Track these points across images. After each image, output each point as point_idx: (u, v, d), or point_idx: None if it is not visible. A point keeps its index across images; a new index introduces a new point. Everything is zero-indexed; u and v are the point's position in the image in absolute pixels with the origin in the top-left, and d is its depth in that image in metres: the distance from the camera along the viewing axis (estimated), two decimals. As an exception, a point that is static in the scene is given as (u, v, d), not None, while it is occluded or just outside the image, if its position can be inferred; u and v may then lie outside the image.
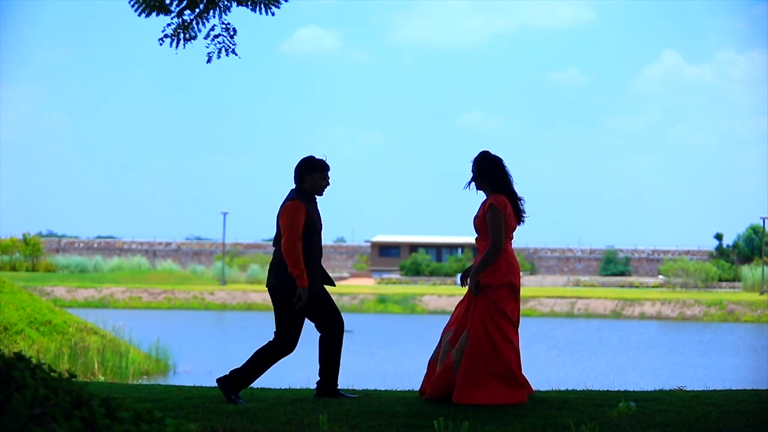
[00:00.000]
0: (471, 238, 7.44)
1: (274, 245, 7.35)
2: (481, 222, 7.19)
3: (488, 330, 6.98)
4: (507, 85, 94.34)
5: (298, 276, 7.08)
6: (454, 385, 6.99)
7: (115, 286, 47.17)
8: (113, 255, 65.89)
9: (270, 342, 7.22)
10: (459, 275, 7.66)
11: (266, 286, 7.36)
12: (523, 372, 7.16)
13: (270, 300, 7.34)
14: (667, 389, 8.32)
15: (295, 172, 7.33)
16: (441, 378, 7.06)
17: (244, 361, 7.27)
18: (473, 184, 7.28)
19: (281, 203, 7.28)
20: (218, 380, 7.23)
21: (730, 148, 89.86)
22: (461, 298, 7.30)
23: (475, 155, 7.26)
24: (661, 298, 43.37)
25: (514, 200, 7.25)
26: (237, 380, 7.18)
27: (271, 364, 7.23)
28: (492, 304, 7.01)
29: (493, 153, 7.26)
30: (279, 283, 7.19)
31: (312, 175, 7.27)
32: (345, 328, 7.56)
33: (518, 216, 7.28)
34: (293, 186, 7.36)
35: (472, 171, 7.27)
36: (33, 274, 51.75)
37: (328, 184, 7.36)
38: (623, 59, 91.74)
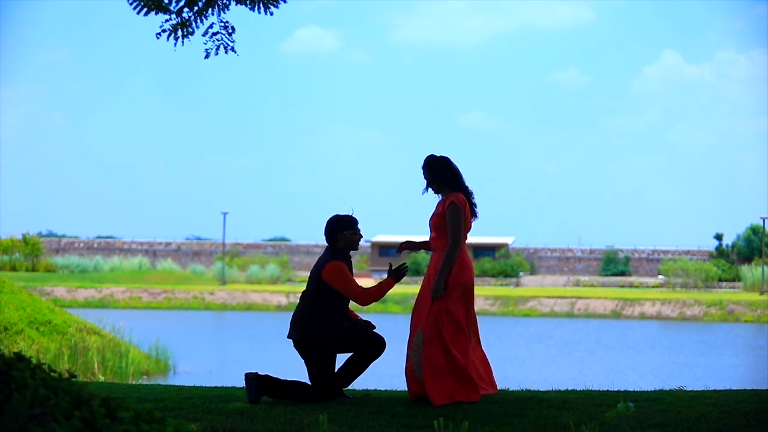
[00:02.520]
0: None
1: (301, 299, 7.41)
2: (440, 220, 7.23)
3: (441, 330, 7.04)
4: (507, 85, 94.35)
5: (387, 288, 7.35)
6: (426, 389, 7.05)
7: (115, 286, 47.16)
8: (113, 255, 65.84)
9: (312, 387, 7.25)
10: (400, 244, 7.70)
11: (288, 337, 7.41)
12: (482, 370, 7.29)
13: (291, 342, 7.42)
14: (667, 389, 8.32)
15: (325, 233, 7.39)
16: (410, 380, 7.17)
17: (285, 379, 7.30)
18: (430, 189, 7.35)
19: (318, 263, 7.35)
20: (248, 376, 7.20)
21: (730, 148, 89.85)
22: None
23: (423, 161, 7.32)
24: (661, 298, 43.36)
25: (469, 198, 7.33)
26: (267, 389, 7.19)
27: (304, 402, 7.22)
28: (442, 304, 7.08)
29: (438, 155, 7.33)
30: (299, 335, 7.27)
31: (344, 233, 7.35)
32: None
33: (472, 212, 7.36)
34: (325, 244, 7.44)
35: (425, 177, 7.33)
36: (33, 274, 51.74)
37: (361, 237, 7.43)
38: (623, 59, 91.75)
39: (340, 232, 7.34)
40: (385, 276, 7.55)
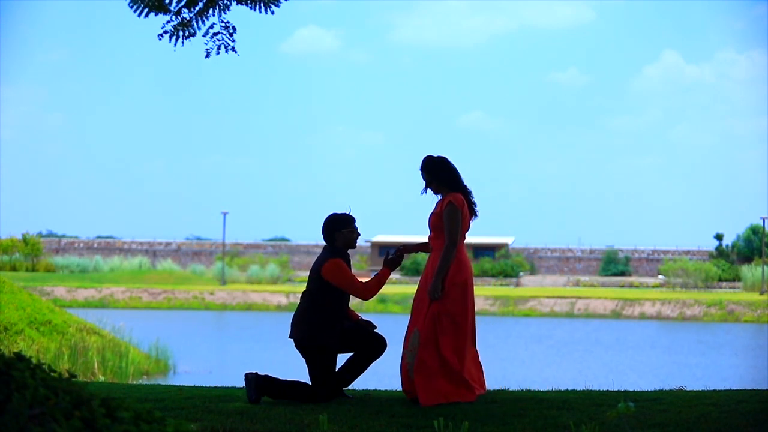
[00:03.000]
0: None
1: (302, 298, 7.42)
2: (438, 219, 7.23)
3: (437, 332, 7.04)
4: (507, 85, 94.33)
5: (385, 277, 7.36)
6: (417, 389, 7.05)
7: (115, 286, 47.15)
8: (113, 255, 65.84)
9: (312, 387, 7.27)
10: (398, 248, 7.62)
11: (289, 337, 7.43)
12: (474, 371, 7.27)
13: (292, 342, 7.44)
14: (667, 389, 8.32)
15: (323, 233, 7.41)
16: (404, 380, 7.17)
17: (284, 379, 7.31)
18: (429, 189, 7.36)
19: (316, 262, 7.36)
20: (248, 376, 7.21)
21: (730, 148, 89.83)
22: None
23: (421, 162, 7.33)
24: (661, 298, 43.36)
25: (468, 197, 7.33)
26: (266, 389, 7.21)
27: (304, 402, 7.23)
28: (440, 305, 7.07)
29: (435, 155, 7.33)
30: (299, 335, 7.29)
31: (341, 232, 7.37)
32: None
33: (471, 211, 7.36)
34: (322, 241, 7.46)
35: (424, 178, 7.34)
36: (33, 274, 51.73)
37: (359, 235, 7.44)
38: (623, 59, 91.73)
39: (338, 230, 7.36)
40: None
